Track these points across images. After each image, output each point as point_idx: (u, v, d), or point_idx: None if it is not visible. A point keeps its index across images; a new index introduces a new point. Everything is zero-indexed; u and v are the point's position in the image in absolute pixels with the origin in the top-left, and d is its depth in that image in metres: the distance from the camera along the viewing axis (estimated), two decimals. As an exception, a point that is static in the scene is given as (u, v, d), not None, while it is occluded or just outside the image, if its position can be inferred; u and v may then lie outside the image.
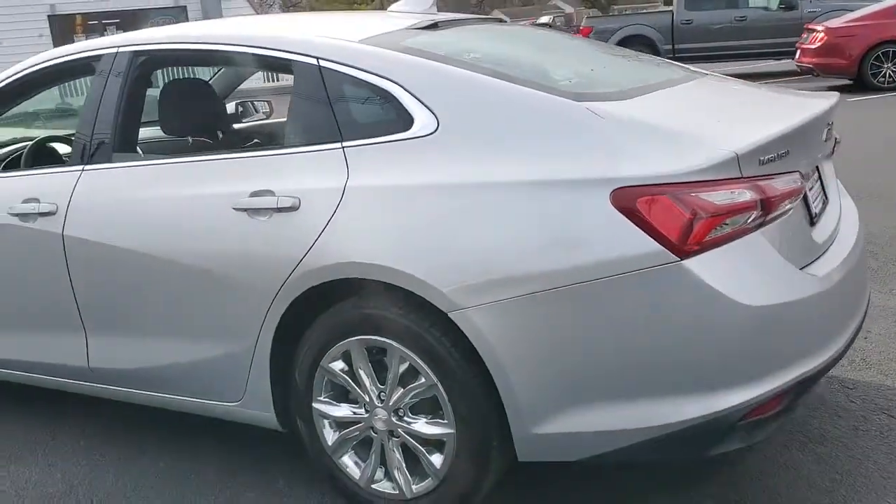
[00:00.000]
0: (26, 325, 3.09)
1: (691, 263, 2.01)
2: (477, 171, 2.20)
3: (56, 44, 19.18)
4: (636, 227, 2.02)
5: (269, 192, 2.44)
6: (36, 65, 3.11)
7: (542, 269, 2.09)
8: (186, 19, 21.38)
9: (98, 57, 2.93)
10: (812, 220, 2.47)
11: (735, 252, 2.07)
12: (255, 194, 2.46)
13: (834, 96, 2.70)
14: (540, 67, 2.74)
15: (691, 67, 3.14)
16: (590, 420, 2.15)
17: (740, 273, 2.08)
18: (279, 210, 2.42)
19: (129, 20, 21.09)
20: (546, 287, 2.09)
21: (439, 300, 2.17)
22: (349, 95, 2.49)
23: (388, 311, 2.30)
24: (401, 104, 2.36)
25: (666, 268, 2.01)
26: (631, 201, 2.03)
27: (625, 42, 15.93)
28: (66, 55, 3.06)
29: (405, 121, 2.34)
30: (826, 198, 2.70)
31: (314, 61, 2.51)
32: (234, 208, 2.49)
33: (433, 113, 2.31)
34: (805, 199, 2.44)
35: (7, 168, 3.44)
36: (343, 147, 2.39)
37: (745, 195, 2.07)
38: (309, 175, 2.42)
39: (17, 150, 3.60)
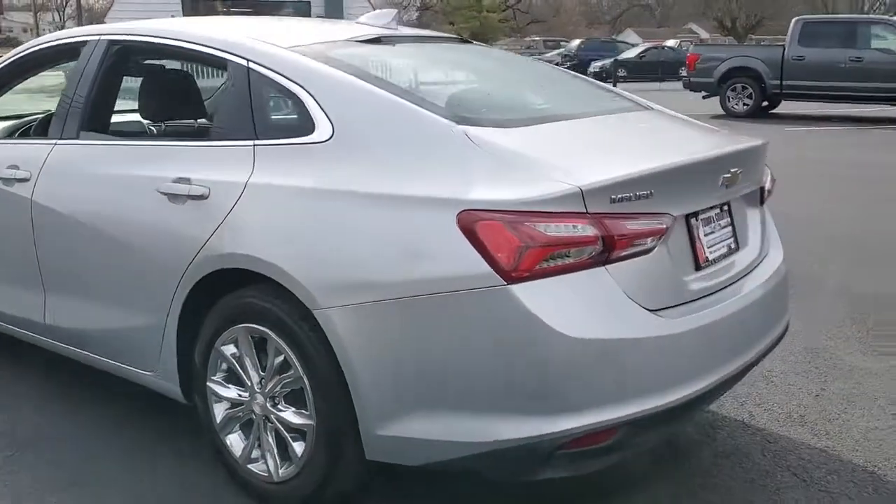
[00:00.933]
0: (4, 279, 3.41)
1: (518, 289, 2.08)
2: (353, 179, 2.33)
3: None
4: (473, 249, 2.10)
5: (187, 180, 2.64)
6: (31, 48, 3.44)
7: (394, 278, 2.20)
8: (309, 14, 22.20)
9: (83, 42, 3.21)
10: (699, 265, 2.47)
11: (569, 283, 2.13)
12: (176, 181, 2.66)
13: (755, 141, 2.74)
14: (446, 90, 2.84)
15: (642, 101, 3.18)
16: (424, 428, 2.23)
17: (569, 304, 2.13)
18: (191, 197, 2.61)
19: (263, 10, 22.07)
20: (394, 296, 2.19)
21: (305, 297, 2.31)
22: (268, 97, 2.68)
23: (267, 302, 2.45)
24: (307, 110, 2.51)
25: (494, 290, 2.08)
26: (472, 224, 2.11)
27: (730, 74, 15.60)
28: (55, 40, 3.38)
29: (308, 126, 2.48)
30: (736, 243, 2.70)
31: (244, 62, 2.69)
32: (158, 191, 2.70)
33: (331, 121, 2.45)
34: (693, 242, 2.46)
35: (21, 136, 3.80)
36: (255, 145, 2.56)
37: (587, 230, 2.12)
38: (222, 168, 2.60)
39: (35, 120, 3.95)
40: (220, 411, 2.69)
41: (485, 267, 2.08)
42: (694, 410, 2.55)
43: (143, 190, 2.75)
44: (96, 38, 3.18)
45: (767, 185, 2.90)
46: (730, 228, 2.68)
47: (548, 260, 2.11)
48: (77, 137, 3.09)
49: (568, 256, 2.13)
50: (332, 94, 2.50)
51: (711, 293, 2.47)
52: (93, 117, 3.12)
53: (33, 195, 3.11)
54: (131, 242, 2.79)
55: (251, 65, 2.67)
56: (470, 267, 2.10)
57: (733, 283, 2.58)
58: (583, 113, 2.78)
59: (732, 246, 2.68)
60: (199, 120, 3.21)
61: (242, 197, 2.50)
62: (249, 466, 2.63)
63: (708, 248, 2.53)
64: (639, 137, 2.84)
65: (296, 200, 2.40)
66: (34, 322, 3.28)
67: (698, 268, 2.47)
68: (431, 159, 2.29)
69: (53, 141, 3.15)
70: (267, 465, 2.58)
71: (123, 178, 2.85)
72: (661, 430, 2.46)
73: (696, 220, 2.50)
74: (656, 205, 2.27)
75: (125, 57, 3.19)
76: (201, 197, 2.58)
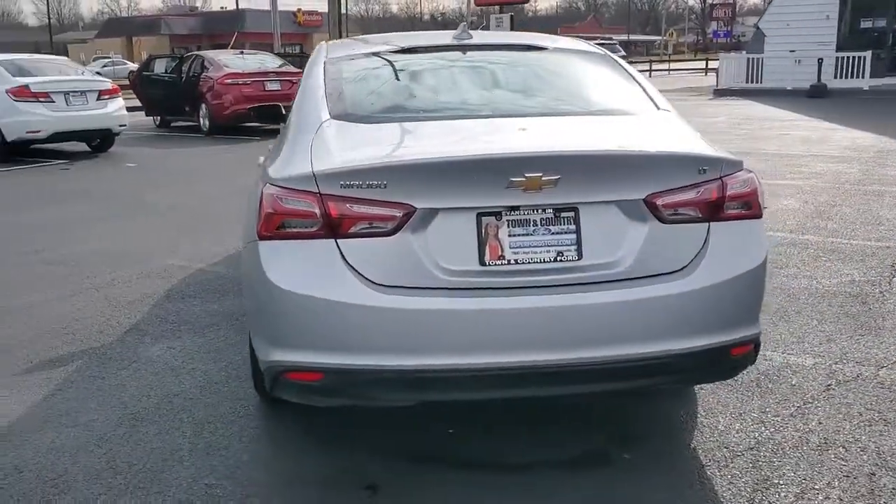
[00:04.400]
0: None
1: (261, 245, 2.78)
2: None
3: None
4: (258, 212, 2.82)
5: None
6: None
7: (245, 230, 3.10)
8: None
9: None
10: (484, 261, 2.70)
11: (294, 247, 2.72)
12: None
13: (587, 147, 2.88)
14: (386, 89, 3.53)
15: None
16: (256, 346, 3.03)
17: (290, 263, 2.72)
18: None
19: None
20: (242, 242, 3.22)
21: None
22: None
23: None
24: None
25: (254, 244, 2.83)
26: (262, 192, 2.82)
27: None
28: None
29: None
30: (578, 253, 2.74)
31: None
32: None
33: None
34: (482, 238, 2.70)
35: None
36: None
37: (311, 207, 2.68)
38: None
39: None
40: None
41: (255, 227, 2.80)
42: (430, 388, 2.76)
43: None
44: None
45: (706, 197, 2.83)
46: (573, 236, 2.74)
47: (282, 226, 2.71)
48: None
49: (296, 226, 2.70)
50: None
51: (499, 288, 2.68)
52: None
53: None
54: None
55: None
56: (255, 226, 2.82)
57: (547, 286, 2.70)
58: (481, 114, 3.22)
59: (569, 254, 2.74)
60: None
61: None
62: None
63: (510, 248, 2.70)
64: (479, 138, 3.01)
65: None
66: None
67: (483, 263, 2.69)
68: (301, 141, 3.00)
69: None
70: None
71: None
72: (386, 391, 2.78)
73: (498, 219, 2.69)
74: (393, 195, 2.65)
75: None
76: None
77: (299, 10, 68.71)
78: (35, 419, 3.59)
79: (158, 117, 18.56)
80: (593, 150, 2.83)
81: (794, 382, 3.77)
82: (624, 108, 3.37)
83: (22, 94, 12.12)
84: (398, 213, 2.67)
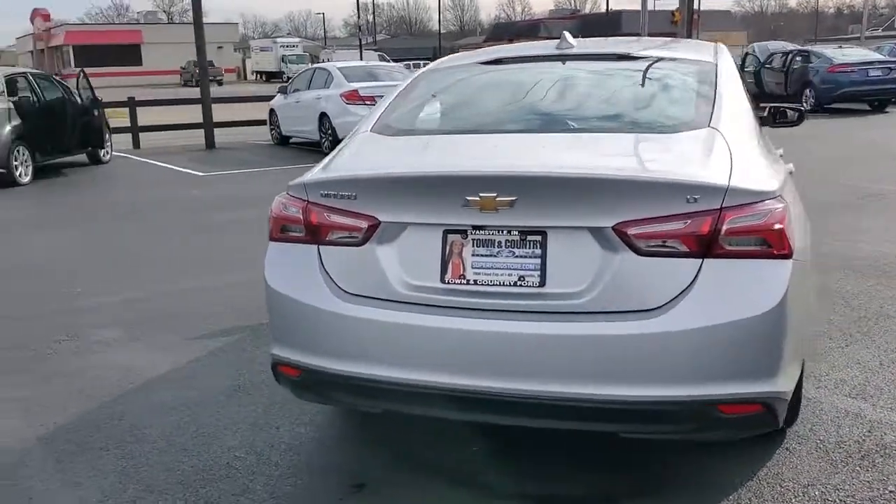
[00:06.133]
0: None
1: (269, 246, 3.04)
2: None
3: None
4: None
5: None
6: None
7: None
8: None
9: None
10: (445, 278, 2.68)
11: (285, 250, 2.96)
12: None
13: (543, 170, 2.65)
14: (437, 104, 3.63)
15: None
16: None
17: (279, 264, 2.98)
18: None
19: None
20: None
21: None
22: None
23: None
24: None
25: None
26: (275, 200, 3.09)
27: None
28: None
29: None
30: (542, 279, 2.61)
31: None
32: None
33: None
34: (446, 255, 2.68)
35: None
36: None
37: (298, 214, 2.90)
38: None
39: None
40: None
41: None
42: (385, 399, 2.82)
43: None
44: None
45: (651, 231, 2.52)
46: (537, 261, 2.60)
47: (283, 231, 2.95)
48: None
49: (291, 231, 2.93)
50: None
51: (456, 307, 2.65)
52: None
53: None
54: None
55: None
56: None
57: (503, 311, 2.60)
58: (499, 130, 3.23)
59: (531, 279, 2.60)
60: None
61: None
62: None
63: (472, 268, 2.65)
64: (477, 155, 2.99)
65: None
66: None
67: (444, 281, 2.68)
68: (332, 153, 3.26)
69: None
70: None
71: None
72: (347, 396, 2.94)
73: (464, 238, 2.66)
74: (361, 207, 2.77)
75: None
76: None
77: (677, 10, 67.26)
78: (162, 379, 4.25)
79: None
80: (555, 173, 2.63)
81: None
82: (664, 125, 3.05)
83: (352, 97, 13.70)
84: (364, 225, 2.77)
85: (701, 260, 2.53)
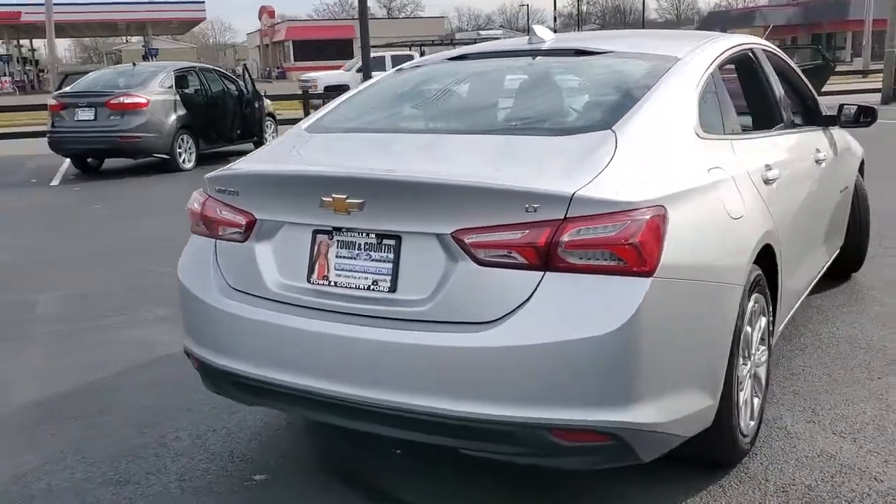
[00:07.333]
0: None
1: (190, 238, 3.16)
2: None
3: None
4: None
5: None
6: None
7: None
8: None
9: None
10: (311, 278, 2.69)
11: (193, 243, 3.08)
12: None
13: (393, 174, 2.57)
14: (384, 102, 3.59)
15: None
16: None
17: (188, 256, 3.09)
18: None
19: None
20: None
21: None
22: None
23: None
24: None
25: None
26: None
27: None
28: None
29: None
30: (393, 284, 2.54)
31: None
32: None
33: None
34: (313, 255, 2.67)
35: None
36: None
37: (198, 208, 2.99)
38: None
39: None
40: None
41: None
42: (257, 396, 2.87)
43: None
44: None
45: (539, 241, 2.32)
46: (389, 265, 2.52)
47: (196, 224, 3.03)
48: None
49: (196, 225, 3.02)
50: None
51: (318, 309, 2.63)
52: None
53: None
54: None
55: None
56: None
57: (358, 315, 2.55)
58: (397, 129, 3.25)
59: (383, 284, 2.53)
60: None
61: None
62: None
63: (335, 269, 2.62)
64: (341, 155, 3.04)
65: None
66: None
67: (310, 281, 2.69)
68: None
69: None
70: None
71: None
72: (230, 391, 2.97)
73: (329, 238, 2.64)
74: (243, 203, 2.81)
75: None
76: None
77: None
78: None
79: None
80: (398, 177, 2.55)
81: None
82: (564, 127, 2.86)
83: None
84: (243, 221, 2.82)
85: (542, 273, 2.34)
